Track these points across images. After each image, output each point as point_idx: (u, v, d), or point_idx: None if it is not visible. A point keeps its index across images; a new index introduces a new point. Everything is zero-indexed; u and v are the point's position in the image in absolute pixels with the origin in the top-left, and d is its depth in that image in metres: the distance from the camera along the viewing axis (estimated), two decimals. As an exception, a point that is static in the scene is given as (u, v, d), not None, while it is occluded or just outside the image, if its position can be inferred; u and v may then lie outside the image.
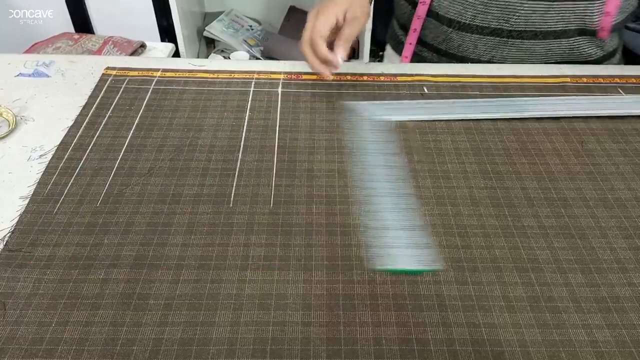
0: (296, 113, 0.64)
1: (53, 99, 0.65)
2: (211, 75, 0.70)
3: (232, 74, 0.71)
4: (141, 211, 0.50)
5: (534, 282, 0.44)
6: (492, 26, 0.71)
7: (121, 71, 0.70)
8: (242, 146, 0.58)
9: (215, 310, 0.41)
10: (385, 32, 0.93)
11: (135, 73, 0.70)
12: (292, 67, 0.72)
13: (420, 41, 0.79)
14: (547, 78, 0.70)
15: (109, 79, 0.68)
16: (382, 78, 0.71)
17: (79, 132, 0.59)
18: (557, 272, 0.45)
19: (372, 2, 0.76)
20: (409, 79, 0.70)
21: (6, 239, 0.47)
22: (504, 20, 0.70)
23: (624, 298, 0.43)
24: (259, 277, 0.44)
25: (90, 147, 0.57)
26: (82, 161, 0.55)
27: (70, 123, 0.61)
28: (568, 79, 0.70)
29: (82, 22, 1.68)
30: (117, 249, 0.46)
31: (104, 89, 0.66)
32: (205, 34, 1.85)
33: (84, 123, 0.61)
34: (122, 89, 0.66)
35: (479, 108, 0.64)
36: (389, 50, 0.91)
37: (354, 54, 1.86)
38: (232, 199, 0.51)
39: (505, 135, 0.60)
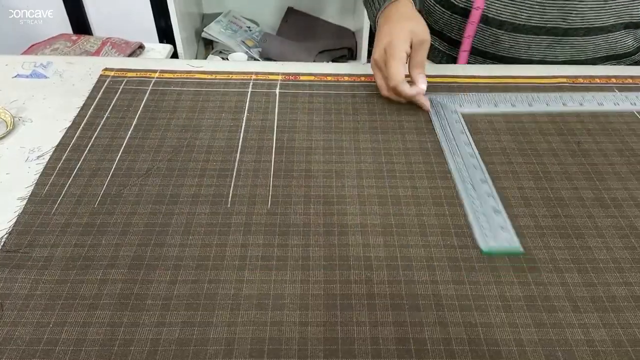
0: (294, 114, 0.64)
1: (51, 100, 0.65)
2: (209, 76, 0.70)
3: (230, 75, 0.71)
4: (139, 212, 0.50)
5: (530, 282, 0.44)
6: (549, 26, 0.72)
7: (119, 72, 0.70)
8: (239, 147, 0.58)
9: (213, 310, 0.41)
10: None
11: (133, 74, 0.70)
12: (289, 68, 0.73)
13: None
14: (543, 79, 0.70)
15: (107, 80, 0.69)
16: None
17: (77, 133, 0.59)
18: (553, 271, 0.45)
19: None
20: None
21: (4, 239, 0.47)
22: (561, 19, 0.71)
23: (620, 297, 0.43)
24: (257, 277, 0.44)
25: (88, 148, 0.57)
26: (79, 162, 0.55)
27: (68, 124, 0.61)
28: (564, 79, 0.70)
29: (80, 24, 1.68)
30: (115, 250, 0.46)
31: (101, 90, 0.66)
32: (203, 35, 1.85)
33: (82, 124, 0.61)
34: (120, 90, 0.67)
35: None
36: None
37: (351, 55, 1.86)
38: (229, 199, 0.52)
39: (502, 135, 0.60)
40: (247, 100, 0.66)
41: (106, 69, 0.71)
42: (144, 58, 1.42)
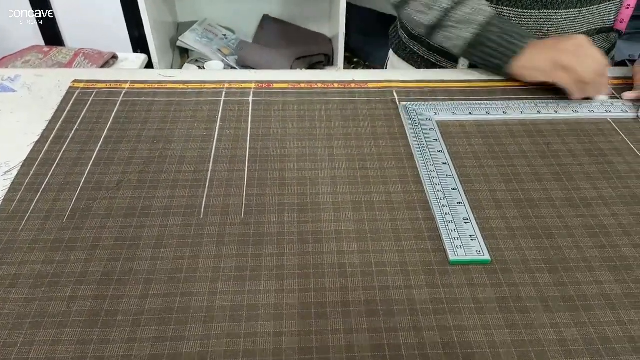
0: (267, 122, 0.64)
1: (19, 114, 0.64)
2: (181, 86, 0.70)
3: (203, 85, 0.70)
4: (109, 226, 0.49)
5: (502, 283, 0.44)
6: None
7: (88, 84, 0.69)
8: (212, 157, 0.58)
9: (186, 324, 0.41)
10: (360, 40, 0.93)
11: (103, 85, 0.69)
12: (263, 76, 0.72)
13: (440, 51, 0.81)
14: (513, 81, 0.71)
15: (76, 92, 0.68)
16: (352, 85, 0.71)
17: (45, 147, 0.58)
18: (525, 272, 0.46)
19: None
20: (379, 85, 0.71)
21: (-31, 258, 0.46)
22: (537, 29, 0.73)
23: (590, 296, 0.44)
24: (230, 288, 0.44)
25: (56, 162, 0.56)
26: (48, 176, 0.54)
27: (37, 138, 0.60)
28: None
29: (52, 35, 1.65)
30: (84, 265, 0.45)
31: (70, 102, 0.65)
32: (178, 44, 1.84)
33: (51, 137, 0.60)
34: (89, 102, 0.66)
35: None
36: (395, 61, 0.92)
37: (328, 61, 1.87)
38: (202, 210, 0.51)
39: (474, 139, 0.61)
40: (220, 109, 0.65)
41: (75, 81, 0.70)
42: (116, 69, 1.41)
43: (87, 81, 0.70)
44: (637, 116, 0.65)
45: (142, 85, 0.69)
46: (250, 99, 0.67)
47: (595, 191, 0.54)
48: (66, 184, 0.53)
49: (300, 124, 0.63)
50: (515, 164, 0.57)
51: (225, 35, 1.91)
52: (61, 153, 0.57)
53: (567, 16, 0.72)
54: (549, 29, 0.73)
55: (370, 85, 0.71)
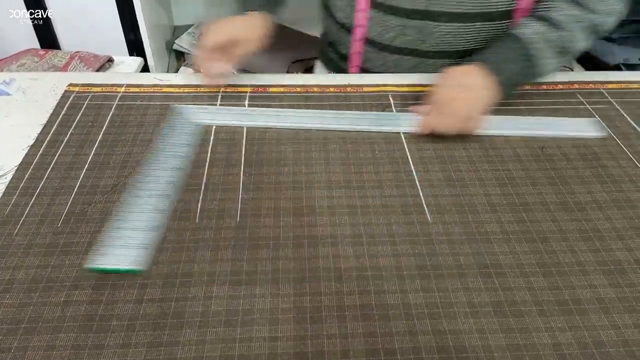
0: (262, 126, 0.63)
1: (14, 118, 0.64)
2: (177, 90, 0.70)
3: (198, 88, 0.70)
4: (104, 230, 0.49)
5: (497, 287, 0.45)
6: (410, 47, 0.73)
7: (84, 87, 0.69)
8: (208, 160, 0.58)
9: (181, 329, 0.41)
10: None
11: (99, 89, 0.69)
12: (258, 80, 0.72)
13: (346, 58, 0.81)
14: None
15: (72, 96, 0.67)
16: (348, 89, 0.71)
17: (40, 151, 0.58)
18: (519, 276, 0.46)
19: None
20: (375, 89, 0.71)
21: (-37, 263, 0.45)
22: (420, 41, 0.72)
23: (585, 300, 0.44)
24: (226, 293, 0.44)
25: (51, 166, 0.56)
26: (43, 180, 0.54)
27: (31, 142, 0.59)
28: (528, 86, 0.72)
29: (48, 38, 1.65)
30: (79, 270, 0.45)
31: (66, 106, 0.65)
32: (174, 47, 1.83)
33: (45, 141, 0.59)
34: (84, 106, 0.65)
35: (322, 119, 0.65)
36: (319, 66, 0.92)
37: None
38: (198, 214, 0.51)
39: (469, 143, 0.61)
40: (216, 113, 0.65)
41: (71, 85, 0.70)
42: (111, 72, 1.40)
43: (82, 85, 0.69)
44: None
45: (137, 89, 0.69)
46: (246, 103, 0.67)
47: (589, 195, 0.55)
48: (61, 188, 0.53)
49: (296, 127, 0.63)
50: (509, 168, 0.58)
51: (221, 38, 1.91)
52: (56, 157, 0.57)
53: (450, 30, 0.69)
54: (432, 42, 0.71)
55: (365, 89, 0.71)
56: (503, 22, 0.69)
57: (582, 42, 0.63)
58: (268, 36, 0.69)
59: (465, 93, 0.60)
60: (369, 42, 0.74)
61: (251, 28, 0.68)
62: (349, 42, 0.77)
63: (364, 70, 0.79)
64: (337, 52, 0.82)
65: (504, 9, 0.67)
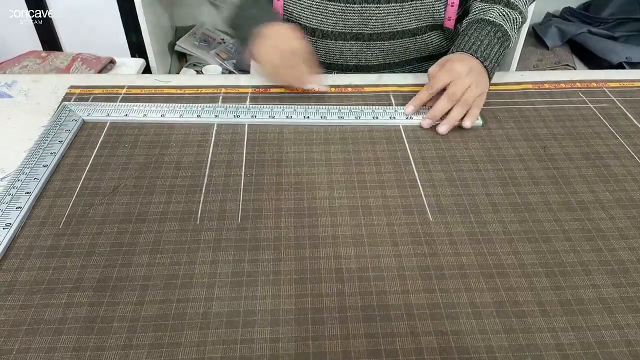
0: (264, 127, 0.63)
1: (15, 120, 0.64)
2: (178, 91, 0.70)
3: (200, 89, 0.70)
4: (105, 231, 0.49)
5: (499, 288, 0.44)
6: (353, 31, 0.74)
7: (85, 89, 0.69)
8: (209, 162, 0.58)
9: (182, 330, 0.41)
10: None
11: (100, 91, 0.69)
12: (260, 81, 0.72)
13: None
14: (509, 85, 0.72)
15: (73, 98, 0.67)
16: (349, 89, 0.71)
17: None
18: (522, 276, 0.45)
19: None
20: (376, 89, 0.71)
21: (-36, 265, 0.45)
22: (363, 24, 0.73)
23: (587, 300, 0.44)
24: (227, 294, 0.44)
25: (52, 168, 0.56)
26: (44, 182, 0.54)
27: (33, 144, 0.59)
28: (530, 85, 0.72)
29: (50, 40, 1.65)
30: (80, 272, 0.45)
31: (67, 108, 0.65)
32: (176, 48, 1.84)
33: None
34: (86, 108, 0.65)
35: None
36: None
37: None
38: (199, 215, 0.51)
39: (470, 142, 0.61)
40: (217, 114, 0.65)
41: (72, 87, 0.70)
42: (113, 74, 1.41)
43: (84, 87, 0.70)
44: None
45: (138, 91, 0.69)
46: (247, 103, 0.67)
47: (592, 194, 0.54)
48: (62, 189, 0.53)
49: (297, 128, 0.63)
50: (512, 168, 0.57)
51: (223, 39, 1.91)
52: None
53: (390, 11, 0.71)
54: (374, 23, 0.72)
55: (366, 89, 0.71)
56: None
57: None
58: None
59: (470, 78, 0.62)
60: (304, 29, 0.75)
61: (295, 37, 0.66)
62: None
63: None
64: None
65: None
